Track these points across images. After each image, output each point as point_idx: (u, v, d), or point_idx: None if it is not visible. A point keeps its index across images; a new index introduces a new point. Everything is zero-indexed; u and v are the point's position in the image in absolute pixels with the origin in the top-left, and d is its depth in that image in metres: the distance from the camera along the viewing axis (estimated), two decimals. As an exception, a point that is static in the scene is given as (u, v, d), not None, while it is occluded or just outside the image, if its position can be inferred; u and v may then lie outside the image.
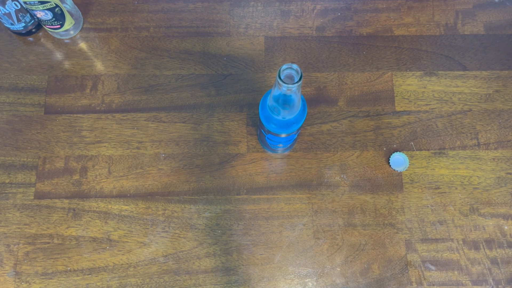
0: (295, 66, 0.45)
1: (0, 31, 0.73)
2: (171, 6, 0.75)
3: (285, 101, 0.48)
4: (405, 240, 0.63)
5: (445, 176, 0.66)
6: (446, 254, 0.63)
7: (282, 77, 0.45)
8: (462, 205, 0.65)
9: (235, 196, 0.65)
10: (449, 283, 0.62)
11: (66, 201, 0.64)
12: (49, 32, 0.72)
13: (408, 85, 0.70)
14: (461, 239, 0.63)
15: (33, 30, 0.72)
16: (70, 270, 0.62)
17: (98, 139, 0.68)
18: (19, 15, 0.68)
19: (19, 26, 0.70)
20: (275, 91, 0.48)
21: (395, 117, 0.69)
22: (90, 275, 0.61)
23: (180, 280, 0.61)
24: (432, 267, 0.62)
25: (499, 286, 0.62)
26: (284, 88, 0.45)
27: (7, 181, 0.65)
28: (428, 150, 0.67)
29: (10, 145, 0.67)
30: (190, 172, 0.66)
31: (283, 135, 0.56)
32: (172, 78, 0.71)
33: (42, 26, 0.73)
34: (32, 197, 0.65)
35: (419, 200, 0.65)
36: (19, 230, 0.63)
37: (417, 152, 0.67)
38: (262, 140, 0.63)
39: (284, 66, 0.45)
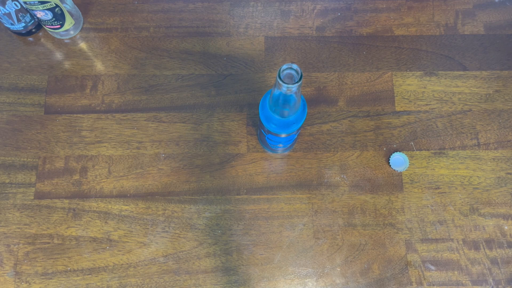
0: (295, 66, 0.45)
1: (0, 31, 0.73)
2: (171, 6, 0.75)
3: (285, 101, 0.48)
4: (405, 240, 0.63)
5: (445, 176, 0.66)
6: (446, 254, 0.63)
7: (282, 77, 0.45)
8: (462, 205, 0.65)
9: (235, 196, 0.65)
10: (449, 283, 0.62)
11: (66, 201, 0.64)
12: (49, 32, 0.72)
13: (408, 85, 0.70)
14: (461, 239, 0.63)
15: (33, 30, 0.72)
16: (70, 270, 0.62)
17: (98, 139, 0.68)
18: (19, 15, 0.68)
19: (19, 26, 0.70)
20: (275, 91, 0.48)
21: (395, 117, 0.69)
22: (90, 275, 0.61)
23: (180, 280, 0.61)
24: (432, 267, 0.62)
25: (499, 286, 0.62)
26: (284, 88, 0.45)
27: (7, 181, 0.65)
28: (428, 150, 0.67)
29: (10, 145, 0.67)
30: (190, 172, 0.66)
31: (283, 135, 0.56)
32: (172, 78, 0.71)
33: (42, 26, 0.73)
34: (32, 197, 0.65)
35: (419, 200, 0.65)
36: (19, 230, 0.63)
37: (417, 152, 0.67)
38: (262, 140, 0.63)
39: (284, 66, 0.45)
